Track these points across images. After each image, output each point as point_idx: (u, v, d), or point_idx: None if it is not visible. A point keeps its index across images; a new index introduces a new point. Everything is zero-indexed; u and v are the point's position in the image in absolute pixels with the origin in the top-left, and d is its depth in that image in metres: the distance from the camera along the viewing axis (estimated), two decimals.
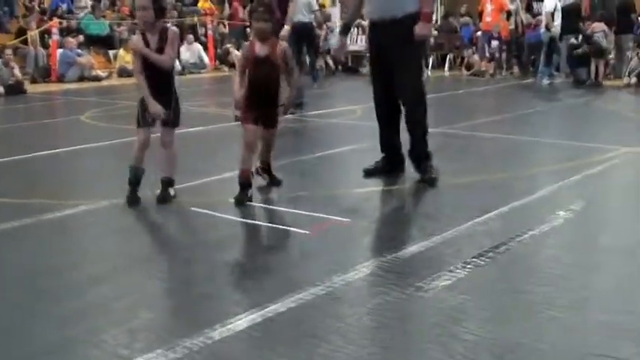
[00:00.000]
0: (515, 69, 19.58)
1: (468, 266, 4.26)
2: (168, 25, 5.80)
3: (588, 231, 5.15)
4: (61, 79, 18.04)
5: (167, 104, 5.69)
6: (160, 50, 5.60)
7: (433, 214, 5.59)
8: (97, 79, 18.32)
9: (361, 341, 3.35)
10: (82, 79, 18.30)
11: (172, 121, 5.75)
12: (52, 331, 3.50)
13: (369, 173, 6.59)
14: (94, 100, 13.86)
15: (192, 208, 5.63)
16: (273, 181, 6.19)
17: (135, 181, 5.69)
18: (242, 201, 5.64)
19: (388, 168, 6.64)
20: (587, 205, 5.63)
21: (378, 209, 5.88)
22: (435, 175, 6.30)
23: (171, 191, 5.82)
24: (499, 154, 8.01)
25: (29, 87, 15.80)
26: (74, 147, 8.44)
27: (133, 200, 5.66)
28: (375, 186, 6.38)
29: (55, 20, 19.61)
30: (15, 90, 15.08)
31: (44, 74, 18.24)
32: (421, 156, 6.45)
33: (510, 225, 5.13)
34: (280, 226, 5.27)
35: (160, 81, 5.65)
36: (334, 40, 18.19)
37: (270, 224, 5.40)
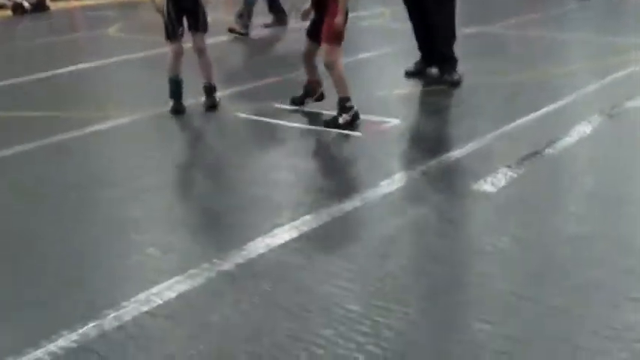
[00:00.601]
0: None
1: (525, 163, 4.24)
2: None
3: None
4: None
5: (193, 6, 5.62)
6: None
7: (480, 113, 5.53)
8: None
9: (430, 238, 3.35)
10: None
11: (202, 25, 5.67)
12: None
13: (410, 74, 6.55)
14: (118, 14, 13.70)
15: (237, 114, 5.59)
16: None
17: (177, 92, 5.68)
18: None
19: (427, 65, 6.58)
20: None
21: (422, 110, 5.83)
22: (456, 78, 6.23)
23: (216, 97, 5.77)
24: (540, 52, 7.86)
25: (50, 4, 15.59)
26: (107, 60, 8.38)
27: (179, 109, 5.66)
28: (415, 86, 6.32)
29: None
30: (38, 7, 14.90)
31: None
32: (441, 58, 6.40)
33: (559, 123, 5.07)
34: (329, 130, 5.21)
35: None
36: None
37: (317, 127, 5.33)
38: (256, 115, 5.57)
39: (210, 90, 5.77)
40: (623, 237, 3.31)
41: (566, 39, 8.57)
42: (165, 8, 5.51)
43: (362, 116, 5.27)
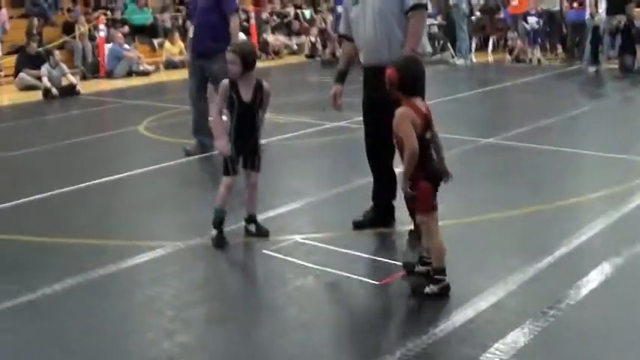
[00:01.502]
0: (560, 50, 19.60)
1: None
2: (263, 82, 6.07)
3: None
4: (109, 75, 18.41)
5: (253, 148, 6.03)
6: (253, 102, 5.93)
7: (487, 257, 5.74)
8: (145, 73, 18.65)
9: None
10: (129, 73, 18.65)
11: (257, 166, 6.08)
12: None
13: (358, 226, 6.25)
14: (147, 104, 14.11)
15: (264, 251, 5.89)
16: None
17: (220, 223, 5.97)
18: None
19: (378, 220, 6.27)
20: None
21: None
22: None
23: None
24: (550, 174, 8.10)
25: (80, 84, 16.12)
26: (137, 170, 8.65)
27: (222, 243, 5.95)
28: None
29: (102, 15, 19.91)
30: (68, 92, 15.42)
31: (94, 70, 18.60)
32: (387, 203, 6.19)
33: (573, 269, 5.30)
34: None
35: (250, 124, 5.97)
36: None
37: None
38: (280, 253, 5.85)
39: (255, 219, 6.17)
40: None
41: (581, 155, 8.82)
42: (231, 148, 5.91)
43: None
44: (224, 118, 6.15)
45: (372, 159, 6.28)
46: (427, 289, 4.87)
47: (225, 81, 5.94)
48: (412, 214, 5.37)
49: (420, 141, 4.80)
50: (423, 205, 4.89)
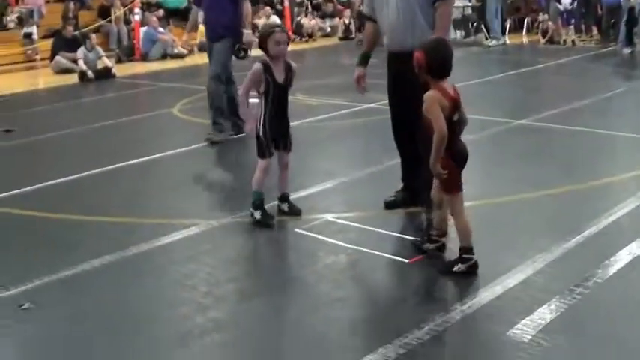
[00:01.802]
0: (595, 32, 19.44)
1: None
2: (291, 62, 6.16)
3: None
4: (144, 58, 18.61)
5: (286, 129, 6.13)
6: (285, 83, 6.04)
7: (517, 236, 5.79)
8: (180, 56, 18.80)
9: None
10: (164, 56, 18.82)
11: (289, 146, 6.18)
12: None
13: (390, 206, 6.31)
14: (182, 86, 14.24)
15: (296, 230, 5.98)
16: None
17: (261, 204, 6.08)
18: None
19: (409, 200, 6.31)
20: None
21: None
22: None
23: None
24: (582, 155, 8.12)
25: (115, 67, 16.30)
26: (171, 152, 8.78)
27: (268, 219, 6.07)
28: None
29: None
30: (104, 74, 15.62)
31: (129, 53, 18.80)
32: (421, 188, 5.82)
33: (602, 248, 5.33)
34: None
35: (283, 106, 6.07)
36: None
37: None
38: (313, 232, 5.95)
39: (288, 199, 6.28)
40: None
41: (613, 137, 8.82)
42: (262, 130, 5.99)
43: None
44: (252, 100, 6.21)
45: (398, 140, 6.32)
46: (455, 268, 4.96)
47: (258, 65, 5.99)
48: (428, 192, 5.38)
49: (449, 124, 4.86)
50: (449, 185, 4.96)
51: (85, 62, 15.69)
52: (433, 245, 5.33)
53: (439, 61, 4.91)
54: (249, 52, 9.33)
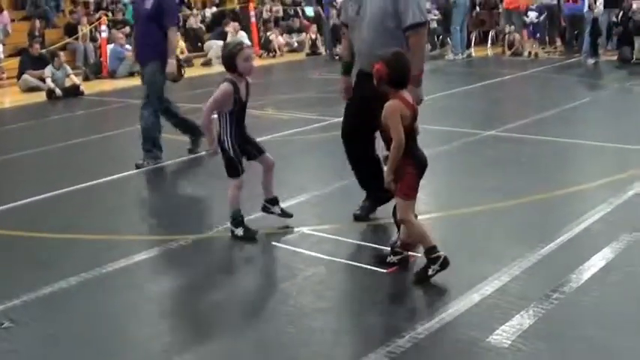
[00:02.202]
0: (559, 43, 19.74)
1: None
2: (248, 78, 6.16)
3: None
4: (112, 75, 18.54)
5: (247, 136, 6.13)
6: (247, 100, 6.05)
7: (498, 243, 5.89)
8: None
9: None
10: (132, 73, 18.74)
11: (261, 147, 6.20)
12: None
13: (359, 218, 6.37)
14: None
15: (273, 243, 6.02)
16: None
17: (242, 221, 6.09)
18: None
19: (376, 204, 6.36)
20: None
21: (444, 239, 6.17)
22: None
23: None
24: (551, 164, 8.24)
25: (83, 85, 16.23)
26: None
27: (253, 234, 6.08)
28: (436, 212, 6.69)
29: (104, 17, 20.03)
30: (72, 92, 15.55)
31: (96, 70, 18.73)
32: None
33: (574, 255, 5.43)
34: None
35: (243, 119, 6.08)
36: None
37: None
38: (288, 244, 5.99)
39: (278, 201, 6.31)
40: None
41: (580, 146, 8.97)
42: (232, 150, 5.95)
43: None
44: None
45: (348, 143, 6.33)
46: (430, 272, 5.01)
47: (228, 85, 5.92)
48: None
49: (410, 131, 4.97)
50: (405, 190, 5.03)
51: (53, 80, 15.59)
52: (396, 257, 5.41)
53: (399, 72, 5.00)
54: (183, 72, 9.22)
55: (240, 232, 6.07)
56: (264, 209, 6.34)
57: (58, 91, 15.36)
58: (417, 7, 5.74)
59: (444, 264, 5.00)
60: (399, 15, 5.74)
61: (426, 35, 5.79)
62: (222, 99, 5.92)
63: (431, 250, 5.02)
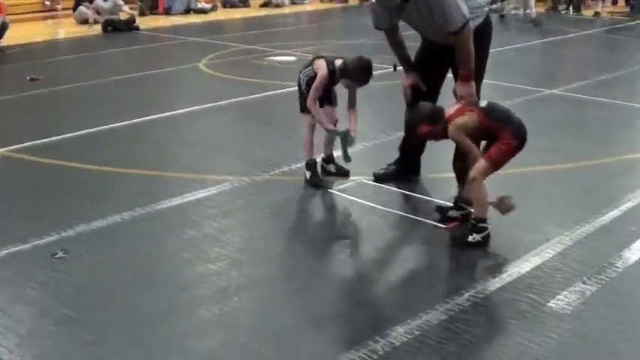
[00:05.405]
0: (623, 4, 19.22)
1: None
2: None
3: None
4: (167, 12, 18.47)
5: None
6: None
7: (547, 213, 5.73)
8: (203, 11, 18.66)
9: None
10: (187, 10, 18.68)
11: (334, 100, 6.13)
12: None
13: (379, 179, 6.15)
14: (206, 41, 14.10)
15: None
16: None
17: (315, 164, 6.08)
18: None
19: (401, 173, 6.18)
20: None
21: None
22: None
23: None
24: (616, 128, 7.99)
25: (138, 20, 16.19)
26: (200, 106, 8.70)
27: (318, 181, 6.03)
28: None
29: None
30: (128, 25, 15.51)
31: (152, 6, 18.66)
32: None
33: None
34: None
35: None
36: None
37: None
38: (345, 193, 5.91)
39: (334, 160, 6.20)
40: None
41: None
42: (303, 80, 5.94)
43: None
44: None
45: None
46: (470, 238, 4.86)
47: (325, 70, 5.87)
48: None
49: (485, 128, 4.85)
50: (496, 157, 4.80)
51: (110, 13, 15.60)
52: (458, 212, 5.26)
53: (435, 117, 4.91)
54: None
55: (307, 174, 6.02)
56: (321, 168, 6.22)
57: (105, 19, 15.28)
58: (452, 13, 5.16)
59: (486, 239, 4.85)
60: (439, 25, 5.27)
61: (469, 34, 5.24)
62: (321, 85, 5.84)
63: (481, 220, 4.86)
